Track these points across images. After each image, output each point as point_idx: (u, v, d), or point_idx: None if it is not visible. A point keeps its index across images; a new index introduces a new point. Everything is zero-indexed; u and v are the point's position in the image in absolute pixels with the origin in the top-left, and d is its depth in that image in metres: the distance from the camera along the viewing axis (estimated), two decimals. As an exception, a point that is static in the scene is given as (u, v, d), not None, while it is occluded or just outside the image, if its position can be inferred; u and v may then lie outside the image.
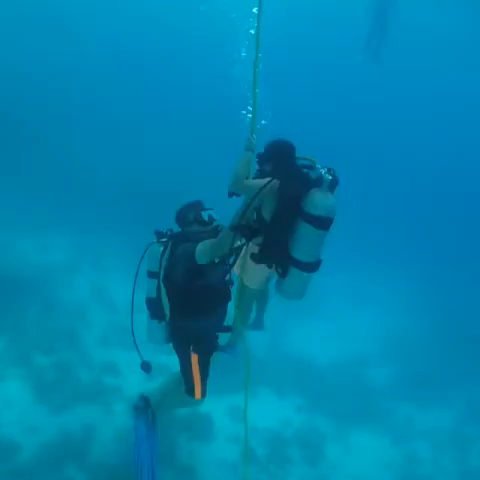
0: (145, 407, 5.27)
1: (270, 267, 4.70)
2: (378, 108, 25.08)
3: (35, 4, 21.99)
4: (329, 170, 4.37)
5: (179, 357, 4.94)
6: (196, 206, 4.86)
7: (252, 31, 4.53)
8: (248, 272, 4.89)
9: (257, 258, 4.65)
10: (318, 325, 11.13)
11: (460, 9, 21.07)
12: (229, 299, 4.86)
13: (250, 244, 4.68)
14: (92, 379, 7.56)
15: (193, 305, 4.62)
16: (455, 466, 8.02)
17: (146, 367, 4.97)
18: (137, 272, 4.75)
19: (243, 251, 4.76)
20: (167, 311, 4.71)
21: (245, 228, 4.36)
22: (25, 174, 13.70)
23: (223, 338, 5.21)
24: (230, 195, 4.50)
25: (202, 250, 4.42)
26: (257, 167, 4.76)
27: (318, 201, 4.25)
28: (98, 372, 7.81)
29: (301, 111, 21.98)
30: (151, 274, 4.74)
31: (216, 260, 4.54)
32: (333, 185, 4.34)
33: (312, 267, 4.53)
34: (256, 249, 4.65)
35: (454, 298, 14.00)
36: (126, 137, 18.16)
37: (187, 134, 19.27)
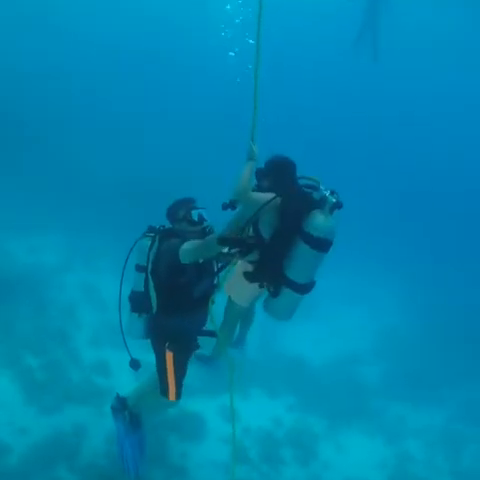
0: (121, 408, 5.23)
1: (262, 286, 4.63)
2: (375, 107, 25.13)
3: (35, 4, 21.97)
4: (332, 193, 4.31)
5: (155, 354, 4.88)
6: (187, 204, 4.81)
7: (251, 41, 4.48)
8: (238, 289, 4.80)
9: (251, 276, 4.54)
10: (310, 325, 11.11)
11: (457, 7, 21.15)
12: (211, 302, 4.79)
13: (241, 261, 4.63)
14: (83, 379, 7.49)
15: (175, 302, 4.60)
16: (447, 465, 8.04)
17: (135, 365, 4.92)
18: (124, 267, 4.72)
19: (236, 268, 4.70)
20: (154, 304, 4.68)
21: (241, 243, 4.31)
22: (17, 175, 13.63)
23: (205, 345, 5.15)
24: (224, 208, 4.41)
25: (187, 249, 4.37)
26: (255, 182, 4.69)
27: (319, 223, 4.17)
28: (89, 372, 7.75)
29: (298, 109, 22.08)
30: (139, 268, 4.70)
31: (200, 261, 4.51)
32: (335, 208, 4.27)
33: (305, 288, 4.44)
34: (250, 267, 4.55)
35: (446, 298, 14.03)
36: (121, 137, 18.15)
37: (184, 134, 19.29)
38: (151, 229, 4.74)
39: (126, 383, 7.20)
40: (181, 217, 4.75)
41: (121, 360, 6.64)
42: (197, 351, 5.13)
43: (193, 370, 5.28)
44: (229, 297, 4.91)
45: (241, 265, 4.64)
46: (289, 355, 10.19)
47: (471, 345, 11.14)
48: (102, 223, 12.49)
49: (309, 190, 4.41)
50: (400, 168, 23.56)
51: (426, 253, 17.57)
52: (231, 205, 4.38)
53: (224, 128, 19.02)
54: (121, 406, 5.25)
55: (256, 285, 4.58)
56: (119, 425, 5.24)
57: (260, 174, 4.63)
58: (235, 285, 4.79)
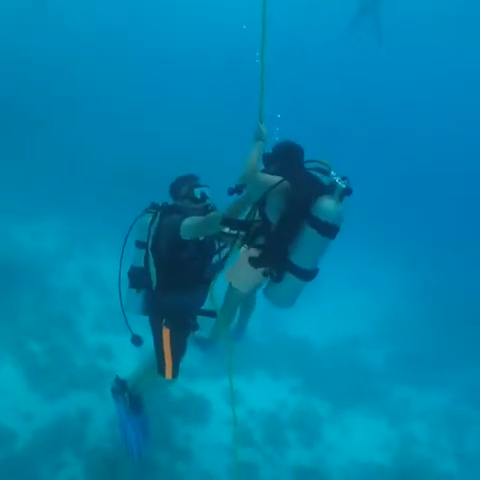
0: (121, 390, 5.22)
1: (266, 274, 4.46)
2: (378, 90, 24.99)
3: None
4: (343, 178, 4.25)
5: (152, 331, 4.83)
6: (190, 181, 4.78)
7: None
8: (239, 275, 4.73)
9: (256, 262, 4.43)
10: (314, 307, 11.11)
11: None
12: (212, 281, 4.75)
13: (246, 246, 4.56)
14: (87, 364, 7.51)
15: (175, 278, 4.56)
16: (451, 447, 8.08)
17: (136, 341, 4.88)
18: (124, 243, 4.69)
19: (240, 254, 4.64)
20: (154, 280, 4.65)
21: (245, 225, 4.26)
22: (16, 162, 13.60)
23: (204, 328, 5.13)
24: (230, 193, 4.36)
25: (188, 225, 4.33)
26: (263, 167, 4.62)
27: (327, 207, 4.08)
28: (93, 357, 7.77)
29: (301, 92, 22.00)
30: (139, 244, 4.67)
31: (201, 238, 4.48)
32: (344, 194, 4.21)
33: (308, 275, 4.34)
34: (255, 252, 4.45)
35: (450, 280, 14.03)
36: (119, 123, 18.10)
37: (184, 120, 19.25)
38: (153, 206, 4.72)
39: (130, 367, 7.21)
40: (184, 194, 4.72)
41: (124, 344, 6.66)
42: (196, 333, 5.11)
43: (197, 353, 5.28)
44: (229, 283, 4.86)
45: (245, 251, 4.59)
46: (293, 337, 10.22)
47: (475, 327, 11.14)
48: (102, 208, 12.47)
49: (319, 174, 4.34)
50: (401, 150, 23.46)
51: (427, 235, 17.56)
52: (237, 190, 4.33)
53: (224, 114, 19.01)
54: (121, 388, 5.23)
55: (258, 272, 4.48)
56: (120, 407, 5.22)
57: (267, 159, 4.58)
58: (237, 271, 4.74)
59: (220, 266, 4.71)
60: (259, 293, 4.90)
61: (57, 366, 7.24)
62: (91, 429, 6.27)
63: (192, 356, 6.96)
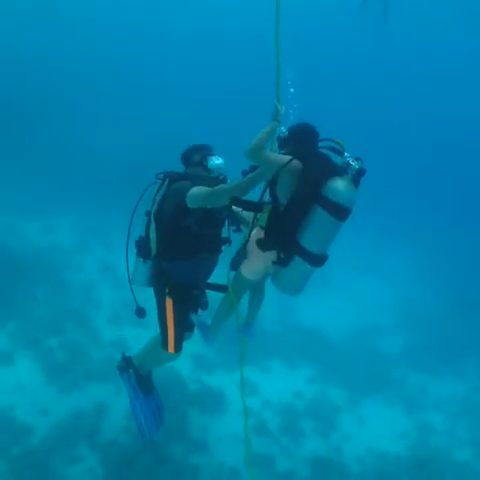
0: (126, 367, 5.20)
1: (275, 262, 4.40)
2: (384, 74, 24.74)
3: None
4: (357, 159, 4.21)
5: (156, 301, 4.76)
6: (204, 150, 4.74)
7: None
8: (249, 261, 4.66)
9: (264, 244, 4.38)
10: (329, 296, 11.10)
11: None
12: (218, 252, 4.72)
13: (254, 231, 4.53)
14: (103, 358, 7.57)
15: (176, 245, 4.51)
16: (469, 436, 8.01)
17: (140, 312, 4.87)
18: (133, 213, 4.66)
19: (250, 239, 4.61)
20: (153, 246, 4.61)
21: (255, 206, 4.24)
22: (28, 157, 13.68)
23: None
24: (245, 175, 4.36)
25: (196, 194, 4.27)
26: (278, 148, 4.57)
27: (338, 188, 4.02)
28: (109, 350, 7.82)
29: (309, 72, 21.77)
30: (147, 213, 4.63)
31: (208, 207, 4.41)
32: (358, 176, 4.15)
33: (317, 260, 4.27)
34: (263, 234, 4.40)
35: (467, 267, 13.89)
36: (128, 116, 18.15)
37: (193, 109, 19.24)
38: (164, 173, 4.68)
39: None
40: (196, 162, 4.68)
41: (140, 337, 6.69)
42: (200, 317, 5.09)
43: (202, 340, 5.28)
44: (238, 270, 4.83)
45: (255, 235, 4.57)
46: (308, 327, 10.20)
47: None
48: (114, 200, 12.49)
49: (333, 155, 4.29)
50: (420, 138, 23.18)
51: (446, 222, 17.36)
52: (251, 171, 4.31)
53: (229, 110, 18.99)
54: (126, 364, 5.23)
55: (267, 260, 4.44)
56: (126, 384, 5.21)
57: (283, 140, 4.55)
58: (246, 257, 4.73)
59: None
60: (269, 284, 4.88)
61: (74, 360, 7.32)
62: (107, 422, 6.34)
63: (208, 348, 6.98)
